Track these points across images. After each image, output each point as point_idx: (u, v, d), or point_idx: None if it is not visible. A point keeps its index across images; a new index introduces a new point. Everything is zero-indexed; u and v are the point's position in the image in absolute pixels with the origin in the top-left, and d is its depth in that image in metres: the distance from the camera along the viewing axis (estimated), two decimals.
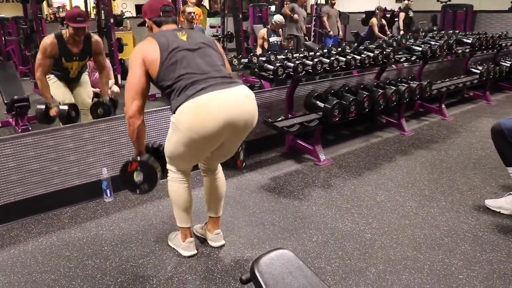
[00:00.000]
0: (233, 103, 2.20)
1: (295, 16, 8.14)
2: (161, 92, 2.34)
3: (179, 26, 2.48)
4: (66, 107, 3.72)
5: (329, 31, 9.15)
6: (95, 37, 3.89)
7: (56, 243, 2.77)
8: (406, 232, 2.81)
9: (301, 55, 4.40)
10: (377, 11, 9.48)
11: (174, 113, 2.21)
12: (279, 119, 3.93)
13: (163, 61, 2.22)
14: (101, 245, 2.73)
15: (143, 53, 2.25)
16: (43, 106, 3.76)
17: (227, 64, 2.48)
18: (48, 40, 3.64)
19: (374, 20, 9.26)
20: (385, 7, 10.35)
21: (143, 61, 2.23)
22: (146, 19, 2.45)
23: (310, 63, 3.97)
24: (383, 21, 9.38)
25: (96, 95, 5.17)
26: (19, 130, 4.69)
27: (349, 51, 4.65)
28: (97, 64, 4.01)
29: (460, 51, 5.68)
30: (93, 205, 3.26)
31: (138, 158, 2.37)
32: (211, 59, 2.32)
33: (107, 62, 4.26)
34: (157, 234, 2.84)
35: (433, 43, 5.23)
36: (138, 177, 2.37)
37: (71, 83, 4.03)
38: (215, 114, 2.14)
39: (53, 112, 3.71)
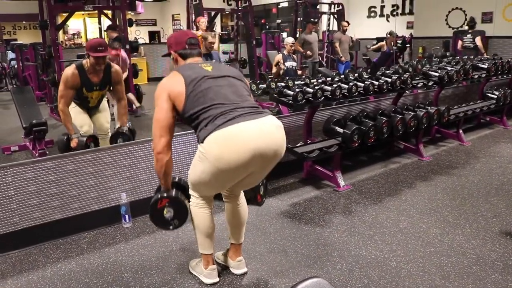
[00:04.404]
0: (263, 134, 2.17)
1: (308, 53, 8.23)
2: (188, 124, 2.31)
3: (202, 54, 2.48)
4: (84, 139, 3.75)
5: (341, 57, 9.22)
6: (115, 67, 3.92)
7: (75, 269, 2.72)
8: (432, 260, 2.74)
9: (320, 80, 4.40)
10: (388, 35, 9.54)
11: (202, 142, 2.19)
12: (298, 144, 3.90)
13: (189, 93, 2.21)
14: (121, 272, 2.68)
15: (167, 88, 2.25)
16: (64, 137, 3.80)
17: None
18: (70, 71, 3.67)
19: (383, 43, 9.41)
20: (397, 34, 10.40)
21: (169, 96, 2.22)
22: (172, 52, 2.44)
23: (329, 88, 3.97)
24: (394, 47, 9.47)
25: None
26: (36, 154, 4.71)
27: (366, 76, 4.64)
28: (116, 94, 4.03)
29: (476, 76, 5.65)
30: (112, 230, 3.22)
31: (166, 194, 2.35)
32: (237, 89, 2.31)
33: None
34: (177, 261, 2.79)
35: (449, 68, 5.22)
36: (168, 213, 2.36)
37: (91, 110, 4.08)
38: (244, 145, 2.12)
39: (73, 143, 3.73)
